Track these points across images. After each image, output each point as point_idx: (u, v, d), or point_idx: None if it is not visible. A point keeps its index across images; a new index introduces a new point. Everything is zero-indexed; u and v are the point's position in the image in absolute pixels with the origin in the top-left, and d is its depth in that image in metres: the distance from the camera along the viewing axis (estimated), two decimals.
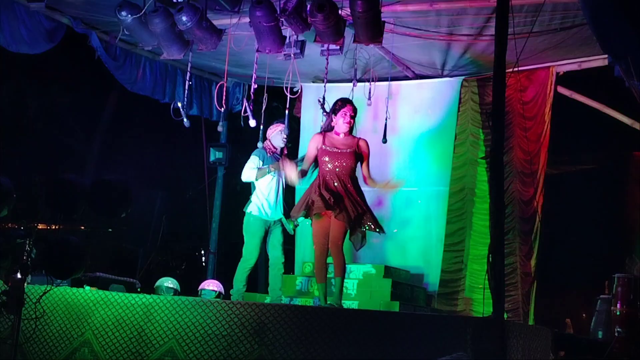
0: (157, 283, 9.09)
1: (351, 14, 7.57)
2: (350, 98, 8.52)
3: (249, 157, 8.34)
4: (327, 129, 7.30)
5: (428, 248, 9.85)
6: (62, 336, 6.61)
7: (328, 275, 7.29)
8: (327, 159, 7.18)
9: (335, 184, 7.12)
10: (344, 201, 7.05)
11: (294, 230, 8.46)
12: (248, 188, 8.75)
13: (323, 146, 7.21)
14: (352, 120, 7.24)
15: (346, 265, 7.25)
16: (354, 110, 7.29)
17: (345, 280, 8.10)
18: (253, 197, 8.30)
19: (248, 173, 8.25)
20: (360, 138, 7.31)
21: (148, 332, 6.41)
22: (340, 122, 7.22)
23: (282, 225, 8.31)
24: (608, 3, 6.61)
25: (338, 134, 7.25)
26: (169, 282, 9.06)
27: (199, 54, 8.69)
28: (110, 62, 9.37)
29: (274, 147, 8.34)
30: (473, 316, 9.08)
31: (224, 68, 8.86)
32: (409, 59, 9.75)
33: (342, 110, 7.24)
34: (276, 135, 8.34)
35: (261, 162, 8.23)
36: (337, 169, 7.15)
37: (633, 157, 10.45)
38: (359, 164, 7.26)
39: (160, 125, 11.40)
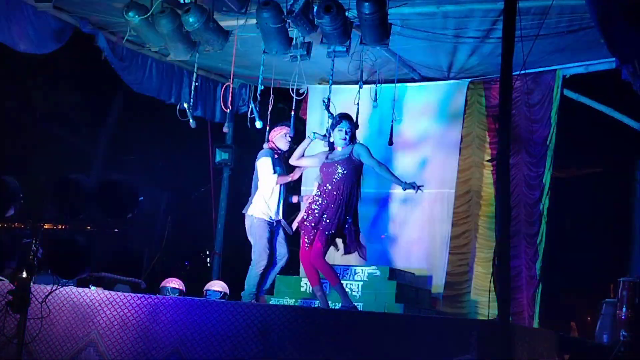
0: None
1: (358, 15, 7.58)
2: (357, 100, 8.57)
3: (255, 158, 8.27)
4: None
5: (433, 250, 9.84)
6: (67, 336, 6.62)
7: None
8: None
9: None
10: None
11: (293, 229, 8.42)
12: None
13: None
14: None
15: (335, 270, 7.42)
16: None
17: (350, 282, 8.12)
18: (255, 199, 8.18)
19: (275, 179, 8.23)
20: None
21: (154, 332, 6.42)
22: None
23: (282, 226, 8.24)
24: (615, 6, 6.61)
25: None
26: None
27: (206, 55, 8.69)
28: (117, 62, 9.39)
29: (278, 150, 8.28)
30: (478, 319, 9.06)
31: (230, 69, 8.87)
32: (415, 61, 9.74)
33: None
34: (280, 138, 8.25)
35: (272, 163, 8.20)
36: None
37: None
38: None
39: (166, 125, 11.41)
